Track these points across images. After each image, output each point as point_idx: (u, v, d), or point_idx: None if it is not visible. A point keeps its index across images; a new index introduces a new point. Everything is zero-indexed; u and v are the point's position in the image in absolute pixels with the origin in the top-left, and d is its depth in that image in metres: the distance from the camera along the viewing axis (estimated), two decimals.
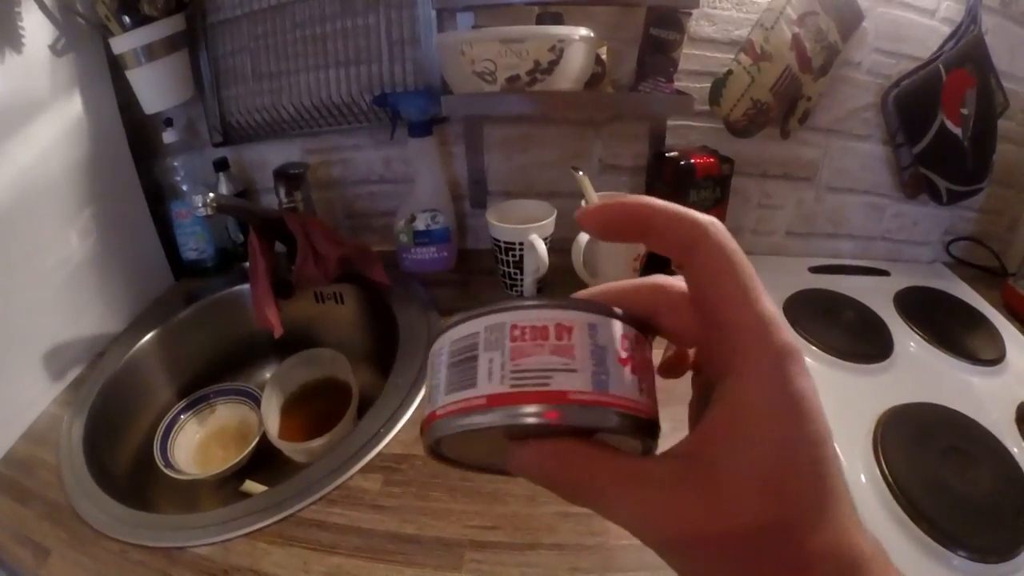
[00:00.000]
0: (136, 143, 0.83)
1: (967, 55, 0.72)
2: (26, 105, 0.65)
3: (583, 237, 0.73)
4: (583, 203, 0.71)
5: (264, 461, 0.70)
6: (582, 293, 0.21)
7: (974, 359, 0.66)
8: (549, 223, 0.74)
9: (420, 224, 0.84)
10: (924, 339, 0.70)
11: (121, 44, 0.72)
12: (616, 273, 0.74)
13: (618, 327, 0.18)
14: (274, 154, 0.90)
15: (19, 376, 0.65)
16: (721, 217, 0.75)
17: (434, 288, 0.84)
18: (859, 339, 0.69)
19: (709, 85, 0.76)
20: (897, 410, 0.58)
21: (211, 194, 0.65)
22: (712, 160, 0.74)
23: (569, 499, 0.18)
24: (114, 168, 0.80)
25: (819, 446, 0.17)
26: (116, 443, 0.68)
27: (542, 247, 0.72)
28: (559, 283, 0.79)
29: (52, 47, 0.68)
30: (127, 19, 0.71)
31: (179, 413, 0.74)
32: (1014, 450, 0.54)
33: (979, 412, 0.57)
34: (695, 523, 0.16)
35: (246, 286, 0.82)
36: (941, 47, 0.73)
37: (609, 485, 0.17)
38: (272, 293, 0.75)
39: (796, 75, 0.72)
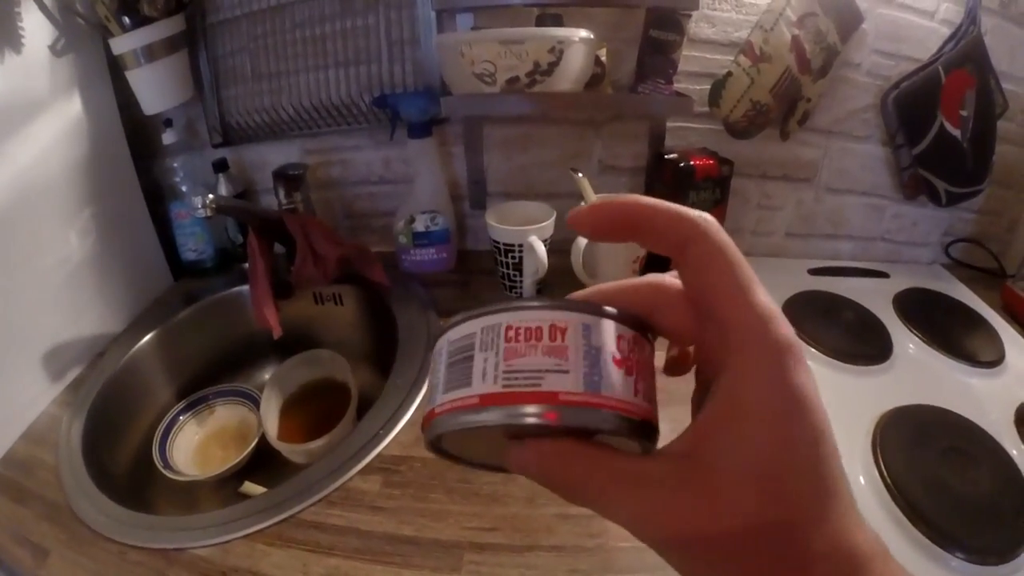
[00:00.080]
0: (136, 143, 0.83)
1: (966, 56, 0.72)
2: (26, 105, 0.65)
3: (583, 239, 0.73)
4: (582, 204, 0.70)
5: (263, 462, 0.70)
6: (579, 293, 0.21)
7: (973, 361, 0.67)
8: (549, 225, 0.74)
9: (419, 225, 0.84)
10: (923, 341, 0.70)
11: (121, 45, 0.72)
12: (616, 274, 0.73)
13: (613, 328, 0.18)
14: (274, 155, 0.90)
15: (18, 376, 0.65)
16: (721, 218, 0.75)
17: (434, 289, 0.84)
18: (858, 341, 0.69)
19: (709, 86, 0.76)
20: (896, 412, 0.58)
21: (210, 195, 0.65)
22: (712, 161, 0.74)
23: (569, 499, 0.18)
24: (113, 168, 0.80)
25: (818, 443, 0.17)
26: (115, 444, 0.68)
27: (541, 249, 0.72)
28: (559, 285, 0.79)
29: (52, 47, 0.68)
30: (127, 20, 0.71)
31: (178, 414, 0.74)
32: (1013, 452, 0.54)
33: (978, 414, 0.57)
34: (695, 523, 0.16)
35: (245, 287, 0.81)
36: (940, 48, 0.73)
37: (609, 485, 0.17)
38: (271, 294, 0.75)
39: (796, 76, 0.72)
